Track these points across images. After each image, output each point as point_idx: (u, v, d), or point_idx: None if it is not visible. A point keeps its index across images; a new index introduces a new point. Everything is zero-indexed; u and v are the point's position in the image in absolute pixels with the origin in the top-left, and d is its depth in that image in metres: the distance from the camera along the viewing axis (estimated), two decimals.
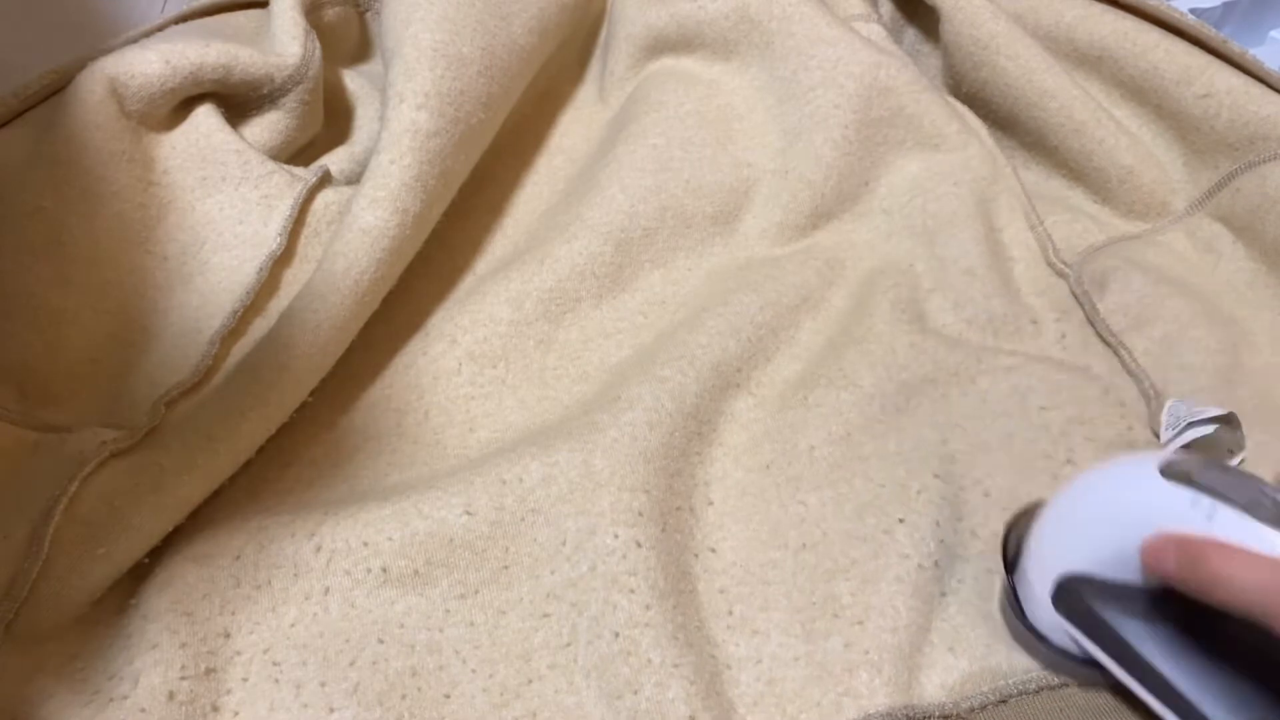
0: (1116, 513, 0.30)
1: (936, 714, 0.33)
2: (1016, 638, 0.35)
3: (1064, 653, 0.33)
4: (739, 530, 0.39)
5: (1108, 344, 0.45)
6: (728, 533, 0.38)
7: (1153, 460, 0.30)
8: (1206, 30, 0.51)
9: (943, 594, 0.36)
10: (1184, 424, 0.39)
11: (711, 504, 0.40)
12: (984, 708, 0.33)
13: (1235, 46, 0.51)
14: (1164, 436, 0.39)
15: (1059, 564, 0.32)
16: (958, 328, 0.46)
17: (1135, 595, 0.30)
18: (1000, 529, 0.36)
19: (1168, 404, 0.40)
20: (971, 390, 0.43)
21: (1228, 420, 0.38)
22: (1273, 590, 0.25)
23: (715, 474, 0.41)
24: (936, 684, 0.34)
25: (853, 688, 0.33)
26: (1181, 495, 0.28)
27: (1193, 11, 0.54)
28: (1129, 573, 0.30)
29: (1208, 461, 0.29)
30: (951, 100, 0.56)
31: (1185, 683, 0.29)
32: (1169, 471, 0.29)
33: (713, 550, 0.38)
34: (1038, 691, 0.34)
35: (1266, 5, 0.64)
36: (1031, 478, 0.39)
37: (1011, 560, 0.35)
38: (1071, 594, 0.32)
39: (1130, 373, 0.43)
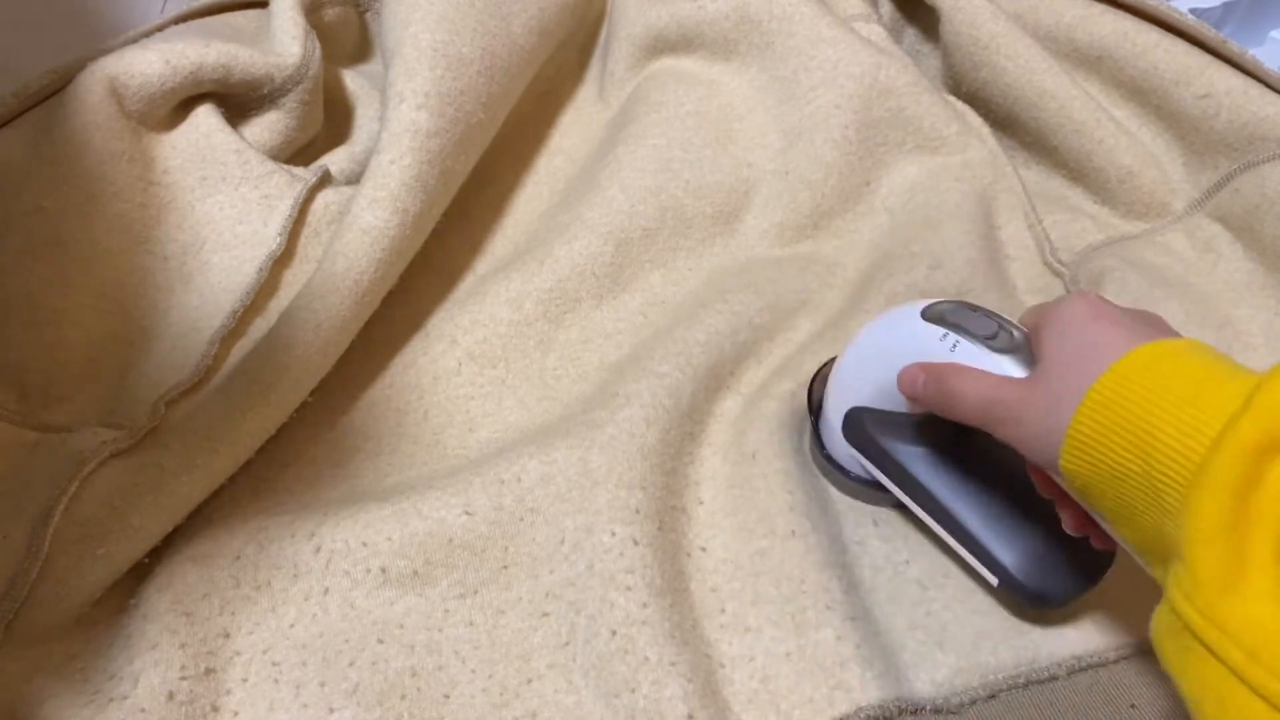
0: (887, 352, 0.36)
1: (928, 708, 0.34)
2: (819, 469, 0.41)
3: (858, 479, 0.39)
4: (729, 524, 0.39)
5: None
6: (718, 529, 0.39)
7: (918, 307, 0.35)
8: (1206, 30, 0.51)
9: (924, 587, 0.37)
10: None
11: (702, 503, 0.40)
12: (974, 703, 0.34)
13: (1235, 46, 0.51)
14: None
15: (847, 400, 0.38)
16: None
17: (904, 421, 0.37)
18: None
19: None
20: None
21: None
22: (988, 400, 0.30)
23: (705, 473, 0.41)
24: (925, 679, 0.34)
25: (844, 681, 0.34)
26: (934, 332, 0.34)
27: (1193, 11, 0.54)
28: (898, 403, 0.36)
29: (962, 304, 0.35)
30: (952, 100, 0.56)
31: (943, 491, 0.36)
32: (927, 314, 0.35)
33: (704, 549, 0.38)
34: (1026, 686, 0.34)
35: (1266, 5, 0.64)
36: None
37: (816, 407, 0.41)
38: (856, 424, 0.38)
39: None
